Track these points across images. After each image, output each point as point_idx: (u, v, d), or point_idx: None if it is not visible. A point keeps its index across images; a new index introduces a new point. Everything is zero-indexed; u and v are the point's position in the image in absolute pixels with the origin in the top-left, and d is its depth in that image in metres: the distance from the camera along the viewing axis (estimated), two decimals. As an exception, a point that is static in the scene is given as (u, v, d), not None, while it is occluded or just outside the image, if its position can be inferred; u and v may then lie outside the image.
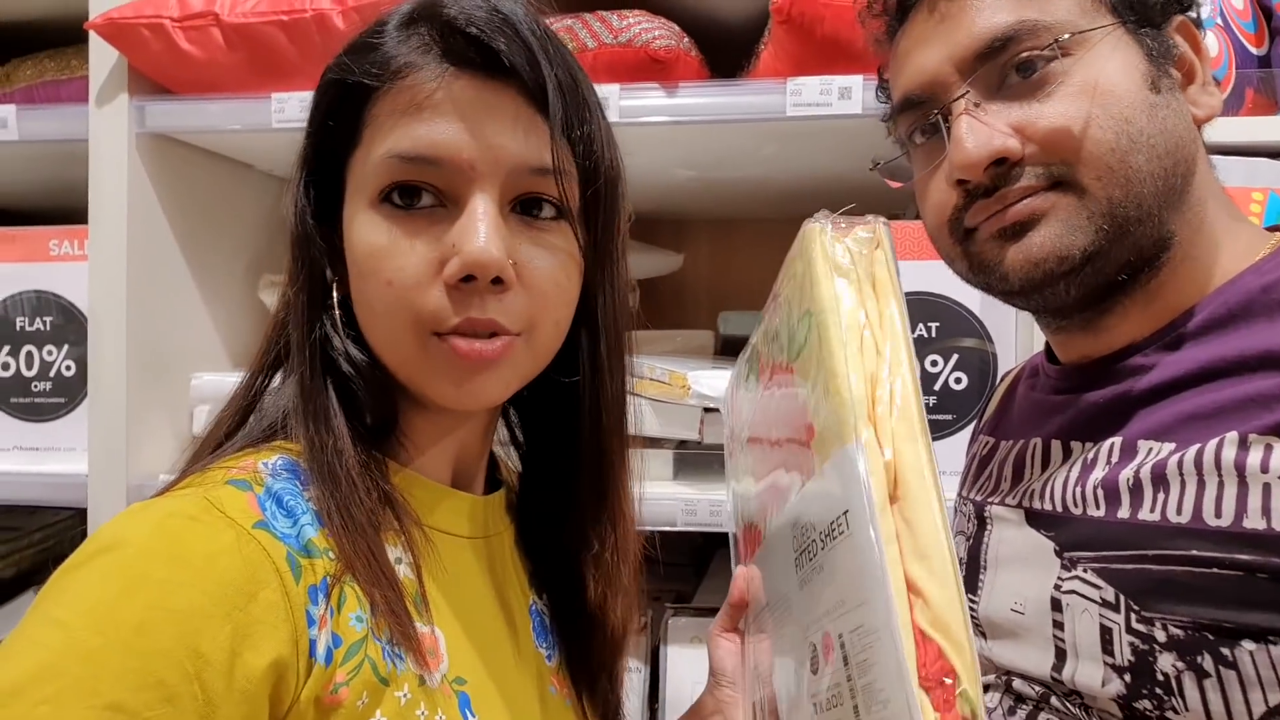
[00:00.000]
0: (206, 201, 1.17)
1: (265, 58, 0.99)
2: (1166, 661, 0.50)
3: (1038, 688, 0.59)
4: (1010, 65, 0.58)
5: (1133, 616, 0.52)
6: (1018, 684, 0.60)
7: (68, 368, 1.15)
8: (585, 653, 0.65)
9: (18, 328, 1.16)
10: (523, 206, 0.54)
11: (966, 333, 0.97)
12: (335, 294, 0.56)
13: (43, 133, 1.10)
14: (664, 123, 0.97)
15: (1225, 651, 0.48)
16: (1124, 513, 0.54)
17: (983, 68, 0.59)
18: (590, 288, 0.58)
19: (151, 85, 1.06)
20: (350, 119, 0.54)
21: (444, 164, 0.51)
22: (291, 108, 0.99)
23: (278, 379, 0.58)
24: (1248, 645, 0.47)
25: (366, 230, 0.52)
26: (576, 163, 0.55)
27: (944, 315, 0.97)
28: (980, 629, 0.65)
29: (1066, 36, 0.56)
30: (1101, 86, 0.56)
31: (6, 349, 1.16)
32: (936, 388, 0.97)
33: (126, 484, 1.06)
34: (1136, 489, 0.54)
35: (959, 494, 0.75)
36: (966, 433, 0.96)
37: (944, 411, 0.97)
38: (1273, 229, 0.62)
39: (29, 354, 1.16)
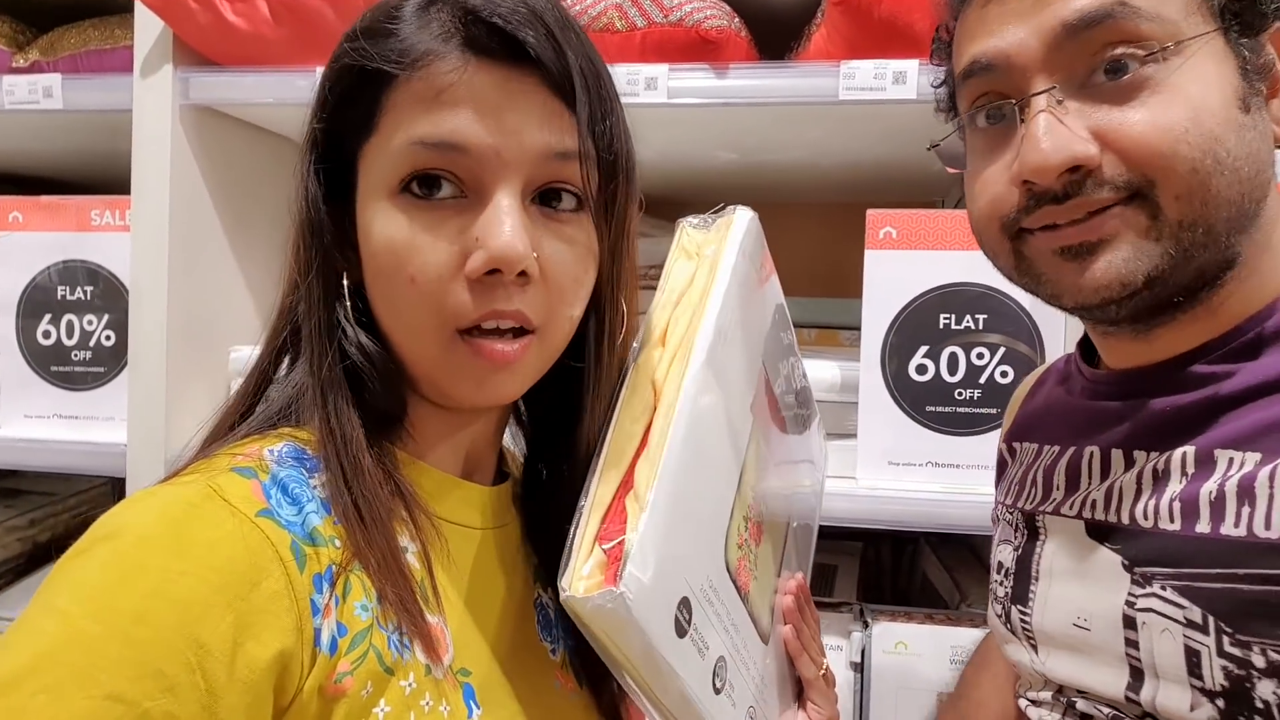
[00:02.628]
0: (248, 174, 1.17)
1: (310, 32, 0.98)
2: (1266, 688, 0.48)
3: (1106, 709, 0.57)
4: (1100, 61, 0.53)
5: (1225, 639, 0.49)
6: (1082, 705, 0.58)
7: (107, 337, 1.15)
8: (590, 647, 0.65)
9: (59, 296, 1.17)
10: (542, 198, 0.54)
11: (1014, 326, 0.95)
12: (346, 282, 0.55)
13: (86, 102, 1.10)
14: (713, 104, 0.95)
15: None
16: (1203, 527, 0.52)
17: (1071, 48, 0.54)
18: (600, 281, 0.58)
19: (196, 57, 1.05)
20: (366, 105, 0.52)
21: (469, 150, 0.50)
22: (336, 82, 0.99)
23: (283, 367, 0.58)
24: None
25: (385, 223, 0.52)
26: (599, 155, 0.54)
27: (992, 308, 0.95)
28: (1033, 641, 0.63)
29: (1170, 45, 0.52)
30: (1195, 99, 0.52)
31: (47, 317, 1.17)
32: (982, 381, 0.95)
33: (165, 455, 1.06)
34: (1218, 503, 0.51)
35: (999, 500, 0.73)
36: (1012, 427, 0.95)
37: (989, 405, 0.95)
38: None
39: (69, 323, 1.17)
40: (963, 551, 1.34)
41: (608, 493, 0.55)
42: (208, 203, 1.11)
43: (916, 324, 0.96)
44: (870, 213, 0.97)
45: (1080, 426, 0.65)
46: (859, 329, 0.98)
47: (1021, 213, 0.57)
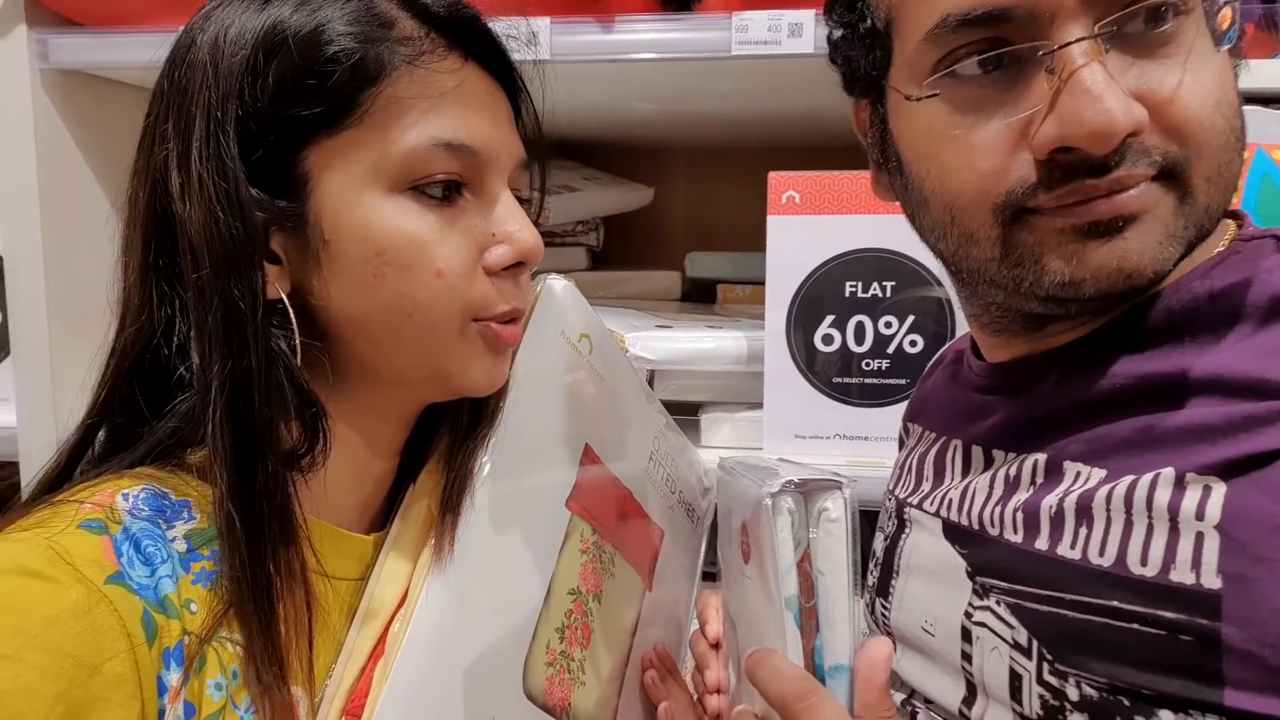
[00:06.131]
0: (127, 137, 1.10)
1: (170, -14, 0.91)
2: None
3: None
4: (1141, 8, 0.43)
5: (1045, 667, 0.46)
6: (923, 716, 0.56)
7: (-8, 317, 1.10)
8: None
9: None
10: None
11: (923, 293, 0.90)
12: (273, 298, 0.51)
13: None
14: (600, 60, 0.88)
15: None
16: (1042, 544, 0.48)
17: None
18: None
19: (53, 16, 0.98)
20: (343, 94, 0.49)
21: (480, 154, 0.53)
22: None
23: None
24: (1165, 716, 0.41)
25: (400, 219, 0.51)
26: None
27: (899, 274, 0.90)
28: (891, 637, 0.60)
29: None
30: (1217, 63, 0.44)
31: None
32: (890, 351, 0.91)
33: (55, 436, 1.03)
34: (1058, 519, 0.47)
35: (886, 488, 0.69)
36: (918, 400, 0.91)
37: (897, 375, 0.91)
38: (1233, 215, 0.52)
39: (-46, 303, 1.12)
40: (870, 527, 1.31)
41: (365, 649, 0.52)
42: (84, 170, 1.05)
43: (821, 292, 0.91)
44: (772, 176, 0.91)
45: (953, 418, 0.61)
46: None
47: (1036, 188, 0.45)
